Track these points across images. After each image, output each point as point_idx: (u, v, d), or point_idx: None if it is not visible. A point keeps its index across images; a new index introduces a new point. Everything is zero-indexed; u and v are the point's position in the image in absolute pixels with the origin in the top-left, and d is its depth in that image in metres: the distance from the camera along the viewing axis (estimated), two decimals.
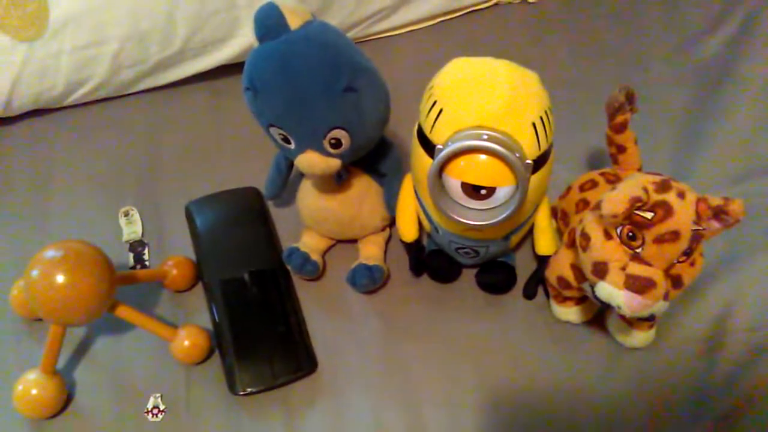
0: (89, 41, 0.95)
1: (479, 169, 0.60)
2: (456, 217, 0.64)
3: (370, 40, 1.12)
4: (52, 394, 0.71)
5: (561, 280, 0.71)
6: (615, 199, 0.56)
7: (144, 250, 0.86)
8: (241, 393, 0.72)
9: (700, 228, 0.57)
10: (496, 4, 1.17)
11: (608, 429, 0.70)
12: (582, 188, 0.74)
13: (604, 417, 0.70)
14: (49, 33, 0.93)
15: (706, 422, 0.69)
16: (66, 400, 0.72)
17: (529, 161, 0.59)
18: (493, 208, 0.63)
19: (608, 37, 1.12)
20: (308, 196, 0.79)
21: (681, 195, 0.57)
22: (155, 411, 0.72)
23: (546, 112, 0.61)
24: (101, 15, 0.94)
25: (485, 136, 0.58)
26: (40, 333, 0.74)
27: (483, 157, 0.59)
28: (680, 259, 0.59)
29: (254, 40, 0.64)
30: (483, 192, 0.62)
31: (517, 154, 0.58)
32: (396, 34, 1.13)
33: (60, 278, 0.64)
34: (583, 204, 0.72)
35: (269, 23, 0.62)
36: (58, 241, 0.68)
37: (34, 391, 0.70)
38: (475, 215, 0.64)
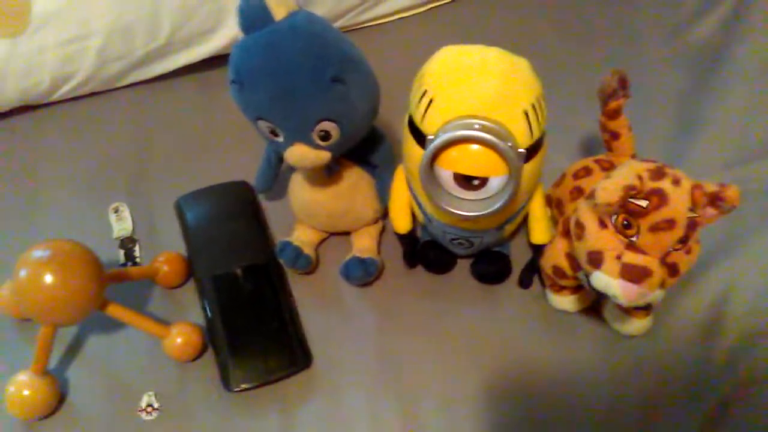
0: (73, 36, 0.93)
1: (471, 159, 0.59)
2: (448, 208, 0.63)
3: (359, 28, 1.10)
4: (44, 394, 0.70)
5: (556, 269, 0.70)
6: (609, 188, 0.55)
7: (135, 246, 0.85)
8: (236, 389, 0.71)
9: (696, 215, 0.56)
10: None
11: (606, 417, 0.69)
12: (576, 176, 0.73)
13: (602, 405, 0.70)
14: (32, 28, 0.92)
15: (704, 409, 0.69)
16: (59, 400, 0.72)
17: (521, 150, 0.58)
18: (486, 198, 0.62)
19: (600, 20, 1.11)
20: (299, 189, 0.78)
21: (676, 182, 0.56)
22: (149, 409, 0.71)
23: (538, 100, 0.60)
24: (84, 9, 0.93)
25: (477, 126, 0.57)
26: (30, 333, 0.73)
27: (475, 147, 0.58)
28: (676, 247, 0.58)
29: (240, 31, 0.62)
30: (475, 182, 0.61)
31: (510, 144, 0.57)
32: (385, 22, 1.12)
33: (48, 278, 0.63)
34: (578, 192, 0.71)
35: (253, 14, 0.60)
36: (45, 241, 0.67)
37: (25, 392, 0.69)
38: (467, 206, 0.63)
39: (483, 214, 0.63)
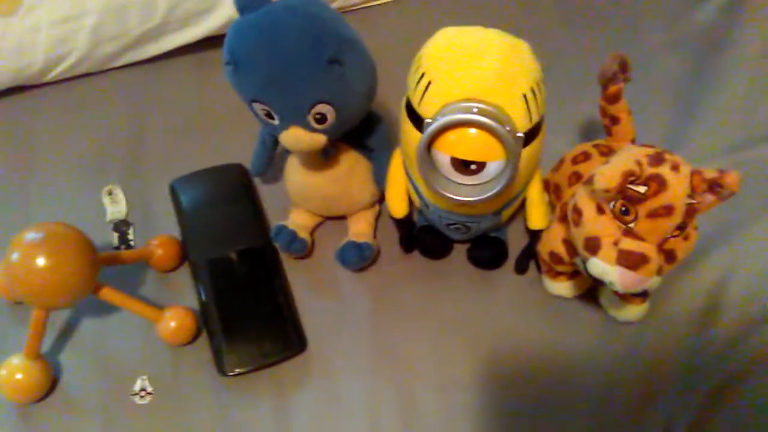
0: (66, 15, 0.92)
1: (469, 143, 0.58)
2: (445, 193, 0.63)
3: (356, 9, 1.09)
4: (37, 378, 0.69)
5: (553, 255, 0.70)
6: (607, 174, 0.54)
7: (128, 229, 0.84)
8: (230, 374, 0.71)
9: (695, 201, 0.56)
10: None
11: (601, 403, 0.69)
12: (575, 161, 0.72)
13: (598, 391, 0.70)
14: (25, 7, 0.90)
15: (700, 395, 0.69)
16: (52, 384, 0.71)
17: (520, 134, 0.58)
18: (483, 183, 0.62)
19: (601, 4, 1.09)
20: (295, 173, 0.77)
21: (675, 168, 0.55)
22: (142, 393, 0.71)
23: (537, 83, 0.59)
24: None
25: (475, 110, 0.56)
26: (23, 316, 0.72)
27: (473, 131, 0.58)
28: (674, 234, 0.57)
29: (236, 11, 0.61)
30: (473, 167, 0.60)
31: (508, 128, 0.57)
32: (383, 3, 1.10)
33: (41, 261, 0.62)
34: (576, 177, 0.71)
35: None
36: (38, 223, 0.66)
37: (18, 376, 0.68)
38: (465, 191, 0.62)
39: (480, 199, 0.62)
